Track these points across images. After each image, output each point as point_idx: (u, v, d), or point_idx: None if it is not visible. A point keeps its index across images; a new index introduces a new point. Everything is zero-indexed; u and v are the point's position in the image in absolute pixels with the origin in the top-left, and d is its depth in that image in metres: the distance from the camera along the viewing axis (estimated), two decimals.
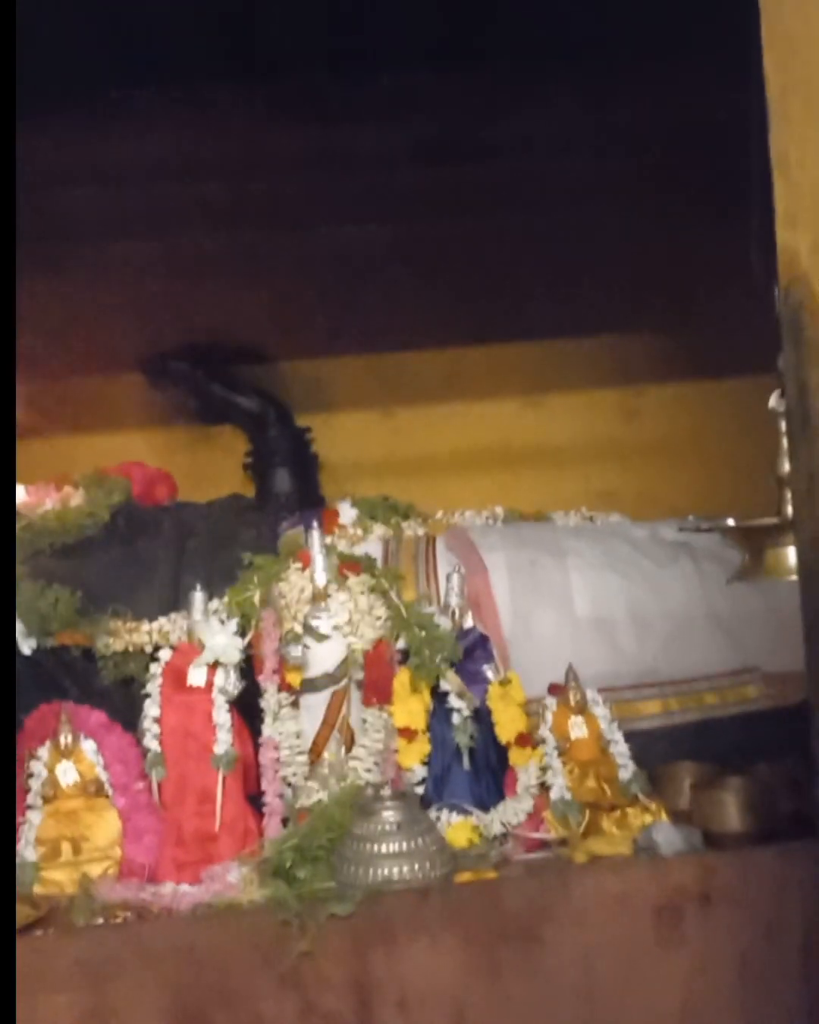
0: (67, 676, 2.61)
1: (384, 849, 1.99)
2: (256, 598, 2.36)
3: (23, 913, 1.94)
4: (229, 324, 3.74)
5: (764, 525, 1.75)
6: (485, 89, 3.32)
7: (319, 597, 2.36)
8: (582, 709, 2.33)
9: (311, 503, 3.38)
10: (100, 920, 1.93)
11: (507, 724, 2.29)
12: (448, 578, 2.48)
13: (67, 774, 2.19)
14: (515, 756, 2.27)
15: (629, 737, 2.37)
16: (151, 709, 2.25)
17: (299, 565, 2.42)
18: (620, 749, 2.31)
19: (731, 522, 1.91)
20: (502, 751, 2.29)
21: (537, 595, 2.64)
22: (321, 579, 2.37)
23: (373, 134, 3.49)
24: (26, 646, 2.59)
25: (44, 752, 2.21)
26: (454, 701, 2.29)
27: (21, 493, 2.89)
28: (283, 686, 2.30)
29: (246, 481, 3.79)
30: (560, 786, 2.23)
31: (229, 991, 1.82)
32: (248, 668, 2.33)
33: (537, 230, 3.56)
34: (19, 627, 2.59)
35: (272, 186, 3.56)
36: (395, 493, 3.16)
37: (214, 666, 2.26)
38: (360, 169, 3.55)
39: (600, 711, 2.35)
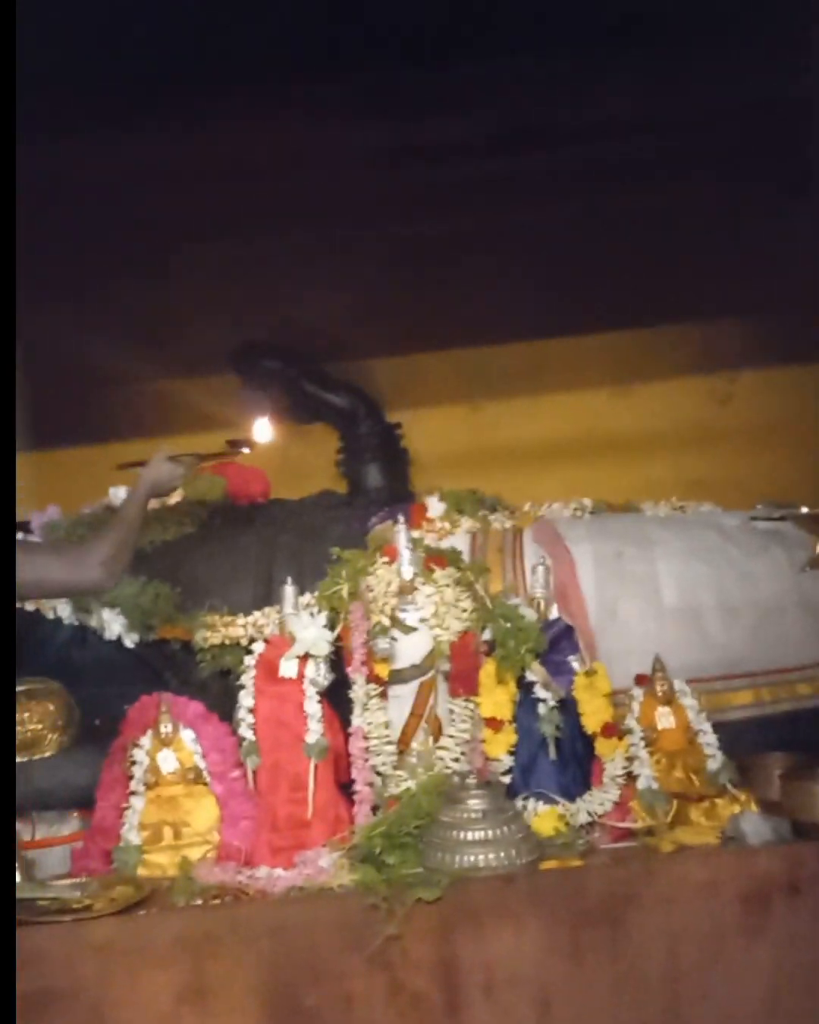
0: (168, 668, 2.72)
1: (470, 836, 2.04)
2: (345, 592, 2.42)
3: (126, 894, 2.04)
4: (319, 322, 3.80)
5: None
6: (562, 75, 3.31)
7: (406, 590, 2.41)
8: (669, 699, 2.34)
9: (401, 497, 3.43)
10: (199, 901, 2.00)
11: (593, 714, 2.31)
12: (533, 570, 2.51)
13: (167, 762, 2.28)
14: (601, 746, 2.29)
15: (719, 727, 2.36)
16: (245, 700, 2.32)
17: (386, 559, 2.47)
18: (709, 739, 2.31)
19: (804, 510, 1.90)
20: (588, 741, 2.31)
21: (623, 585, 2.65)
22: (408, 573, 2.42)
23: (453, 125, 3.51)
24: (129, 640, 2.70)
25: (146, 740, 2.31)
26: (540, 691, 2.32)
27: (120, 493, 2.99)
28: (371, 677, 2.35)
29: (338, 477, 3.86)
30: (647, 776, 2.24)
31: (320, 970, 1.88)
32: (338, 660, 2.39)
33: (619, 215, 3.55)
34: (122, 622, 2.71)
35: (357, 181, 3.60)
36: (483, 486, 3.19)
37: (305, 658, 2.33)
38: (442, 160, 3.57)
39: (688, 701, 2.35)
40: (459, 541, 2.77)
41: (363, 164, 3.55)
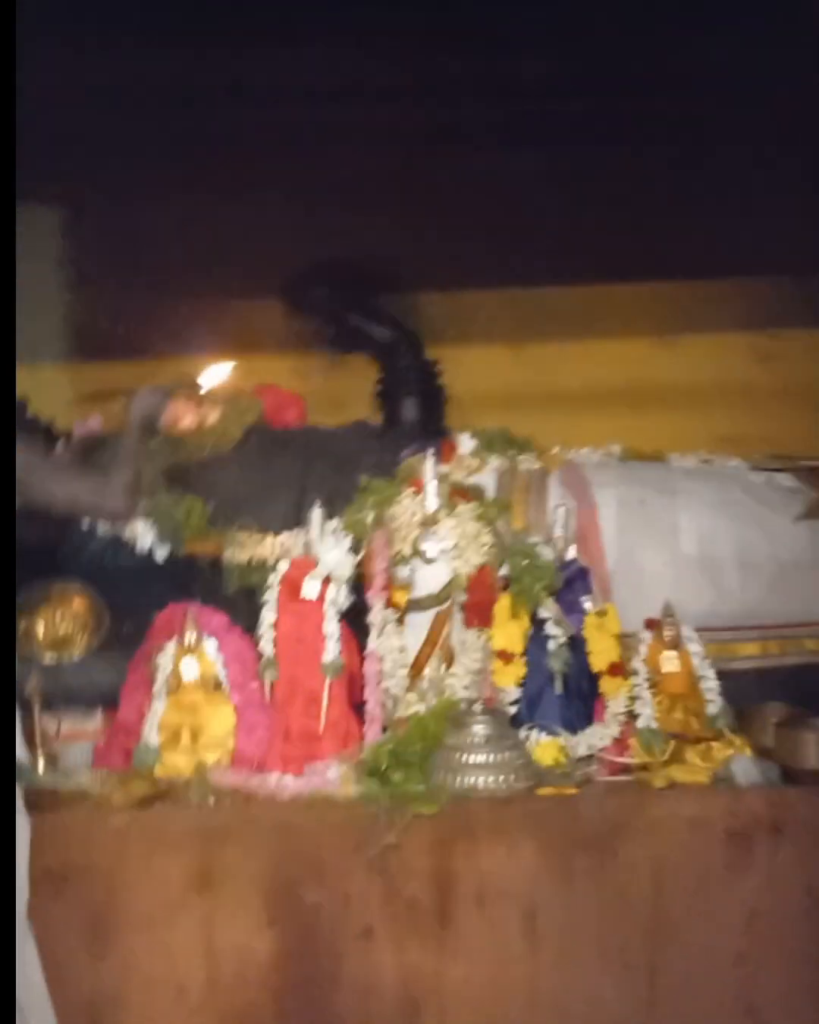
0: (196, 582, 2.80)
1: (472, 759, 2.13)
2: (369, 519, 2.50)
3: (143, 788, 2.15)
4: (371, 252, 3.81)
5: None
6: (649, 22, 3.26)
7: (429, 522, 2.48)
8: (676, 644, 2.40)
9: (434, 433, 3.47)
10: (211, 800, 2.12)
11: (601, 653, 2.38)
12: (555, 512, 2.57)
13: (190, 669, 2.39)
14: (606, 684, 2.37)
15: (724, 676, 2.43)
16: (268, 616, 2.42)
17: (412, 490, 2.54)
18: (710, 685, 2.38)
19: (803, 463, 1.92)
20: (594, 679, 2.39)
21: (644, 532, 2.70)
22: (432, 505, 2.49)
23: (530, 62, 3.47)
24: (161, 552, 2.79)
25: (170, 647, 2.41)
26: (551, 628, 2.39)
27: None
28: (389, 604, 2.44)
29: (375, 408, 3.91)
30: (647, 715, 2.32)
31: (321, 870, 1.99)
32: (359, 585, 2.47)
33: (680, 166, 3.52)
34: (153, 533, 2.79)
35: (426, 111, 3.58)
36: (519, 428, 3.23)
37: (327, 580, 2.41)
38: (516, 96, 3.54)
39: (694, 648, 2.42)
40: (486, 479, 2.83)
41: (433, 94, 3.53)
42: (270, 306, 3.98)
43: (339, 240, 3.79)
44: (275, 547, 2.75)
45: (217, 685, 2.38)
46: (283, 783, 2.19)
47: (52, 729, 2.39)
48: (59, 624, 2.56)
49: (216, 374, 2.96)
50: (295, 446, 3.07)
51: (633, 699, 2.35)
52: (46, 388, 3.72)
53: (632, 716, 2.34)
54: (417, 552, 2.45)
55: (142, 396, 2.49)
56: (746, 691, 2.50)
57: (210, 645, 2.42)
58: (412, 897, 1.98)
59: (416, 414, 3.81)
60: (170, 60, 3.40)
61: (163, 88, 3.54)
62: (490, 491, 2.74)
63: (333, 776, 2.18)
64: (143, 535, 2.79)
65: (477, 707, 2.22)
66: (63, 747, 2.36)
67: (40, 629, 2.55)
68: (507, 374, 3.96)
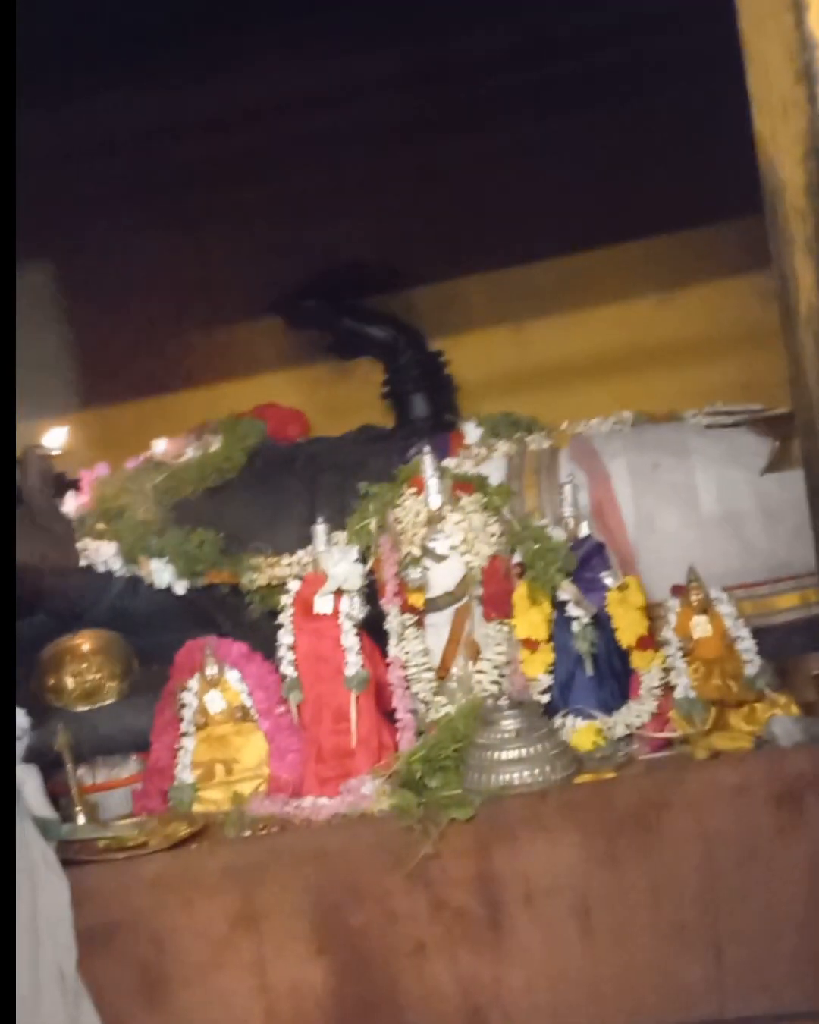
0: (219, 612, 2.79)
1: (504, 756, 2.08)
2: (372, 526, 2.45)
3: (179, 830, 2.13)
4: (356, 255, 3.79)
5: (787, 414, 1.68)
6: None
7: (434, 520, 2.43)
8: (705, 608, 2.32)
9: (446, 426, 3.43)
10: (248, 833, 2.09)
11: (627, 629, 2.31)
12: (561, 489, 2.50)
13: (215, 702, 2.36)
14: (637, 659, 2.30)
15: (767, 631, 2.35)
16: (285, 637, 2.38)
17: (413, 490, 2.49)
18: (746, 645, 2.29)
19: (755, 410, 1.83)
20: (624, 655, 2.32)
21: (661, 497, 2.62)
22: (435, 502, 2.44)
23: (471, 40, 3.42)
24: (179, 587, 2.78)
25: (193, 683, 2.39)
26: (573, 610, 2.32)
27: (162, 445, 3.06)
28: (406, 607, 2.39)
29: (387, 411, 3.87)
30: (684, 685, 2.25)
31: (363, 891, 1.95)
32: (375, 593, 2.43)
33: (649, 117, 3.44)
34: (170, 570, 2.78)
35: (377, 108, 3.55)
36: (529, 407, 3.17)
37: (339, 593, 2.37)
38: (463, 78, 3.49)
39: (725, 608, 2.33)
40: (496, 465, 2.77)
41: (382, 90, 3.50)
42: (267, 324, 3.97)
43: (323, 248, 3.77)
44: (293, 566, 2.72)
45: (245, 715, 2.36)
46: (319, 805, 2.15)
47: (88, 779, 2.38)
48: (87, 673, 2.55)
49: (59, 435, 3.00)
50: (301, 461, 3.05)
51: (667, 671, 2.27)
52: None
53: (669, 688, 2.26)
54: (426, 551, 2.41)
55: (30, 459, 2.70)
56: (792, 645, 2.42)
57: (233, 675, 2.39)
58: (459, 906, 1.93)
59: (426, 409, 3.76)
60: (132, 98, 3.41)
61: (126, 123, 3.55)
62: (501, 477, 2.68)
63: (368, 791, 2.14)
64: (159, 572, 2.78)
65: (502, 701, 2.16)
66: (101, 797, 2.34)
67: (70, 682, 2.54)
68: (510, 355, 3.90)
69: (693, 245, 3.70)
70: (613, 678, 2.31)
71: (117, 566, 2.80)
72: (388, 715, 2.34)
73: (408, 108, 3.54)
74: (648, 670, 2.28)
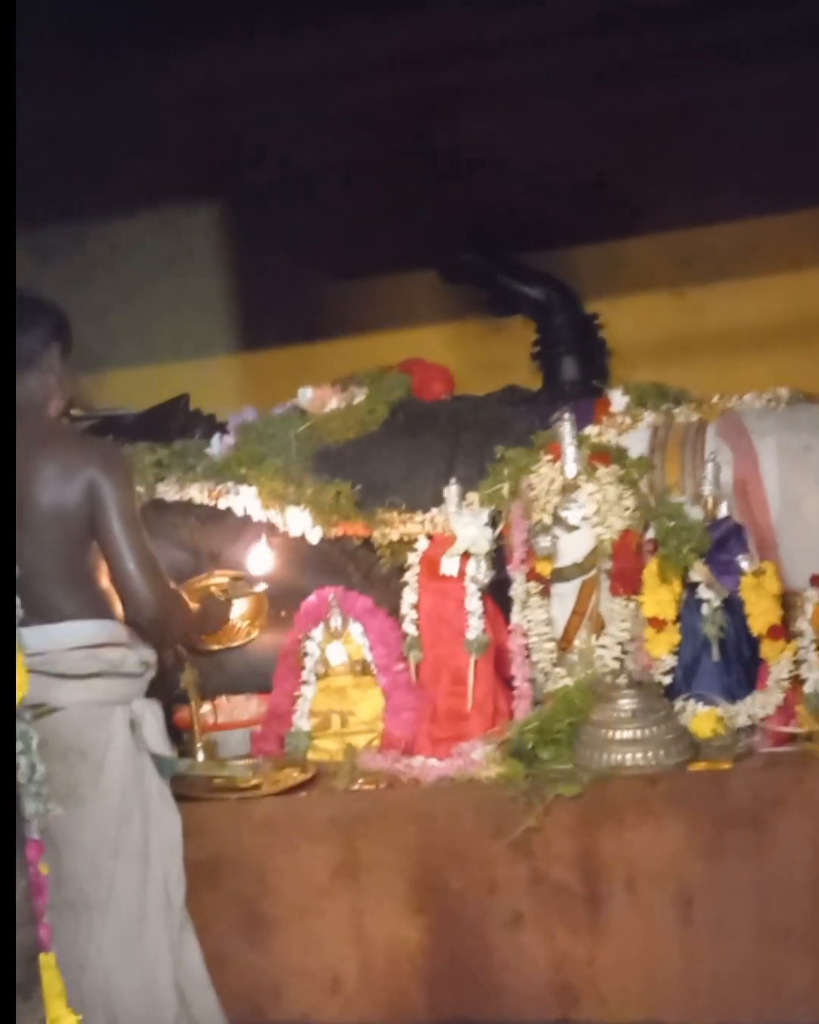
0: (349, 564, 2.81)
1: (618, 735, 2.05)
2: (505, 490, 2.42)
3: (290, 776, 2.18)
4: (518, 210, 3.72)
5: None
6: None
7: (568, 488, 2.38)
8: None
9: (593, 391, 3.36)
10: (357, 785, 2.11)
11: (760, 616, 2.24)
12: (705, 465, 2.42)
13: (336, 654, 2.40)
14: (767, 648, 2.23)
15: None
16: (409, 596, 2.39)
17: (550, 457, 2.44)
18: None
19: None
20: (754, 643, 2.24)
21: (810, 481, 2.51)
22: (571, 471, 2.39)
23: None
24: (313, 536, 2.81)
25: (317, 633, 2.42)
26: (704, 591, 2.26)
27: (307, 394, 3.08)
28: (533, 575, 2.36)
29: (535, 371, 3.81)
30: (815, 680, 2.16)
31: (464, 856, 1.96)
32: (502, 558, 2.41)
33: None
34: (306, 518, 2.81)
35: (555, 55, 3.45)
36: (682, 377, 3.08)
37: (466, 556, 2.36)
38: (648, 27, 3.36)
39: None
40: (640, 436, 2.70)
41: (569, 37, 3.38)
42: (423, 277, 3.95)
43: (484, 201, 3.71)
44: (425, 524, 2.71)
45: (365, 668, 2.38)
46: (428, 766, 2.16)
47: (211, 718, 2.45)
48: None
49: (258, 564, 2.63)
50: (443, 419, 3.03)
51: (798, 663, 2.19)
52: (213, 380, 3.84)
53: (798, 681, 2.18)
54: (558, 520, 2.37)
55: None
56: None
57: (356, 629, 2.41)
58: (559, 882, 1.92)
59: (576, 372, 3.70)
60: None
61: (300, 64, 3.52)
62: (643, 448, 2.61)
63: (477, 757, 2.13)
64: (295, 520, 2.81)
65: (621, 679, 2.12)
66: (221, 736, 2.40)
67: None
68: (670, 321, 3.80)
69: None
70: (740, 665, 2.24)
71: (255, 511, 2.84)
72: (506, 681, 2.33)
73: (594, 56, 3.42)
74: (777, 661, 2.21)
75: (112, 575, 1.99)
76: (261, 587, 2.59)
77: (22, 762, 1.36)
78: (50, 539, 1.93)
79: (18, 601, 1.51)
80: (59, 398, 2.11)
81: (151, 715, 2.02)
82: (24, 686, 1.43)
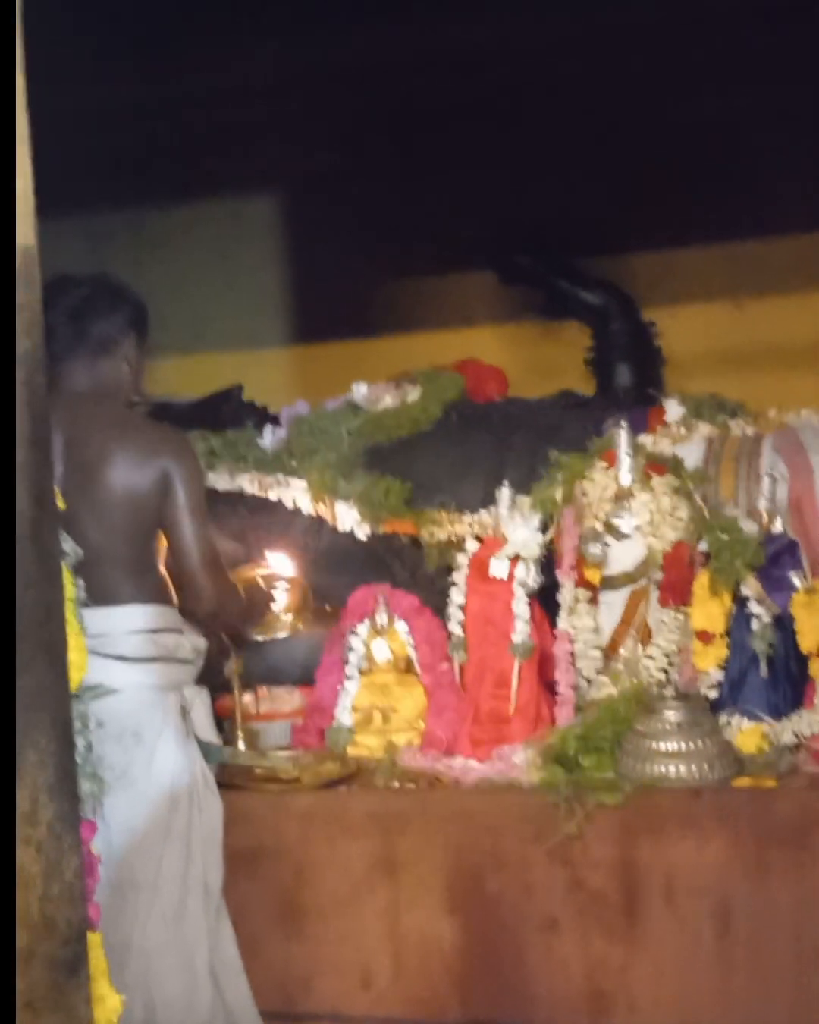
0: (396, 561, 2.82)
1: (662, 747, 2.04)
2: (558, 495, 2.42)
3: (332, 770, 2.19)
4: (577, 215, 3.72)
5: None
6: None
7: (622, 496, 2.37)
8: None
9: (647, 400, 3.34)
10: (396, 783, 2.12)
11: (810, 633, 2.22)
12: (761, 480, 2.40)
13: (381, 650, 2.40)
14: (816, 667, 2.21)
15: None
16: (457, 596, 2.39)
17: (605, 464, 2.44)
18: None
19: None
20: (803, 661, 2.23)
21: None
22: (625, 479, 2.38)
23: None
24: (360, 532, 2.82)
25: (362, 629, 2.43)
26: (754, 607, 2.24)
27: (362, 389, 3.09)
28: (581, 582, 2.35)
29: (589, 377, 3.81)
30: None
31: (501, 858, 1.96)
32: (551, 563, 2.41)
33: None
34: (354, 514, 2.82)
35: (613, 63, 3.44)
36: (739, 389, 3.07)
37: (516, 559, 2.35)
38: (709, 35, 3.34)
39: None
40: (695, 447, 2.68)
41: (629, 39, 3.38)
42: (480, 278, 3.95)
43: (544, 205, 3.71)
44: (473, 525, 2.72)
45: (408, 666, 2.39)
46: (469, 767, 2.16)
47: (253, 708, 2.46)
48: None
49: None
50: (495, 420, 3.03)
51: None
52: (264, 371, 3.85)
53: None
54: (609, 528, 2.36)
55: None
56: None
57: (401, 627, 2.42)
58: (597, 890, 1.92)
59: (630, 379, 3.69)
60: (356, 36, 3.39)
61: (364, 58, 3.52)
62: (698, 460, 2.60)
63: (518, 761, 2.13)
64: (344, 515, 2.82)
65: (668, 691, 2.11)
66: (263, 726, 2.42)
67: None
68: (728, 332, 3.78)
69: None
70: (788, 682, 2.23)
71: (305, 504, 2.85)
72: (549, 687, 2.33)
73: (654, 61, 3.41)
74: None
75: (176, 565, 2.00)
76: (304, 580, 2.60)
77: (79, 742, 1.37)
78: (119, 524, 1.94)
79: (80, 583, 1.53)
80: (132, 387, 2.12)
81: (200, 702, 2.04)
82: (83, 667, 1.44)
